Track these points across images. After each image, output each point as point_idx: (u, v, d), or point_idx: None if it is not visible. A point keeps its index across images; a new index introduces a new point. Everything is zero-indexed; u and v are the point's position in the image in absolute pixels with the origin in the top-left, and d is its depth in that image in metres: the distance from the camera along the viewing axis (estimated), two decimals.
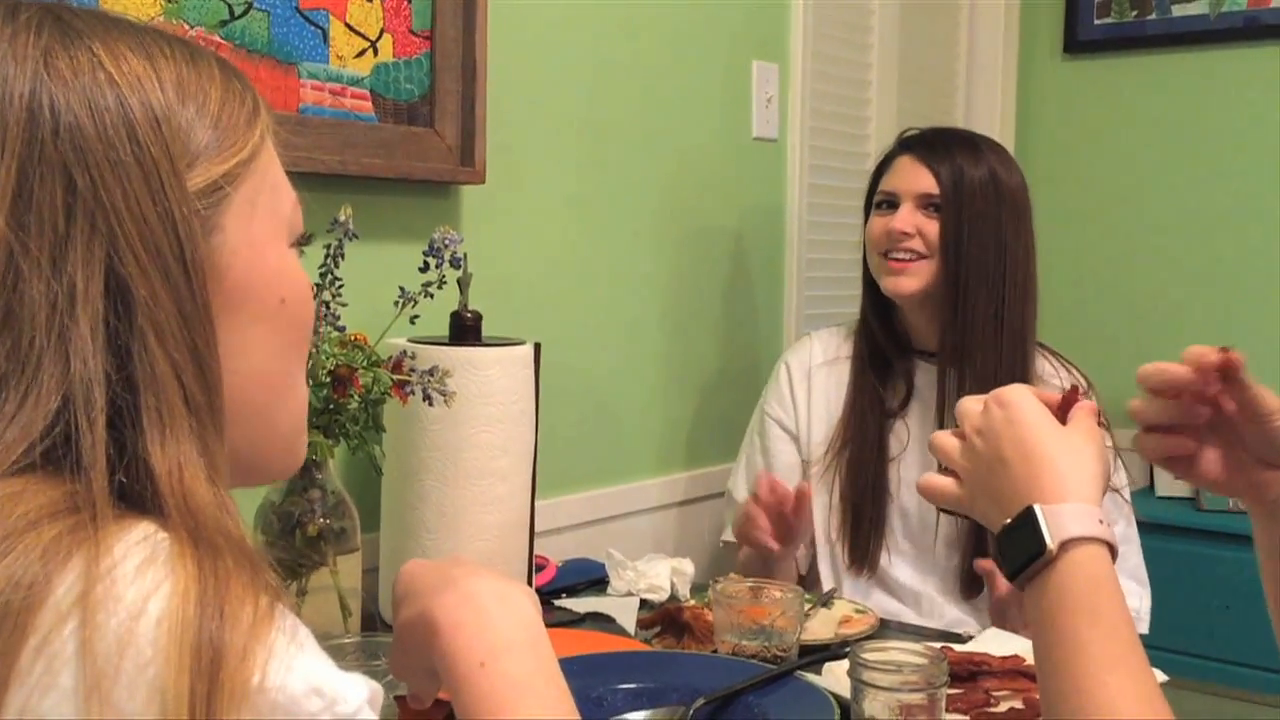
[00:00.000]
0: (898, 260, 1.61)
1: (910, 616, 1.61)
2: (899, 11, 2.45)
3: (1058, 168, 2.77)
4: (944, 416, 1.60)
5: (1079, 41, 2.80)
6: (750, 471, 1.76)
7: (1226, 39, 2.62)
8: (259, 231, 0.66)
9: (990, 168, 1.61)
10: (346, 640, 1.10)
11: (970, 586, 1.61)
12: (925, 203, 1.61)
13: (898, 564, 1.65)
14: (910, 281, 1.61)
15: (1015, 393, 0.88)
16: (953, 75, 2.76)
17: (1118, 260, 2.73)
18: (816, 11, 2.19)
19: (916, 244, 1.61)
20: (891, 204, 1.64)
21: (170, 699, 0.50)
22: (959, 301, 1.59)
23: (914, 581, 1.64)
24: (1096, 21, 2.77)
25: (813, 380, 1.74)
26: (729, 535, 1.73)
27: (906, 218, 1.61)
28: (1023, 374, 1.59)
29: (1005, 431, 0.86)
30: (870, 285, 1.70)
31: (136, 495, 0.57)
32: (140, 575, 0.53)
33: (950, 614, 1.62)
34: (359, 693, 0.56)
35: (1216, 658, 2.19)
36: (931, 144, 1.65)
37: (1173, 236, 2.69)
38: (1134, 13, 2.72)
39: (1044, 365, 1.66)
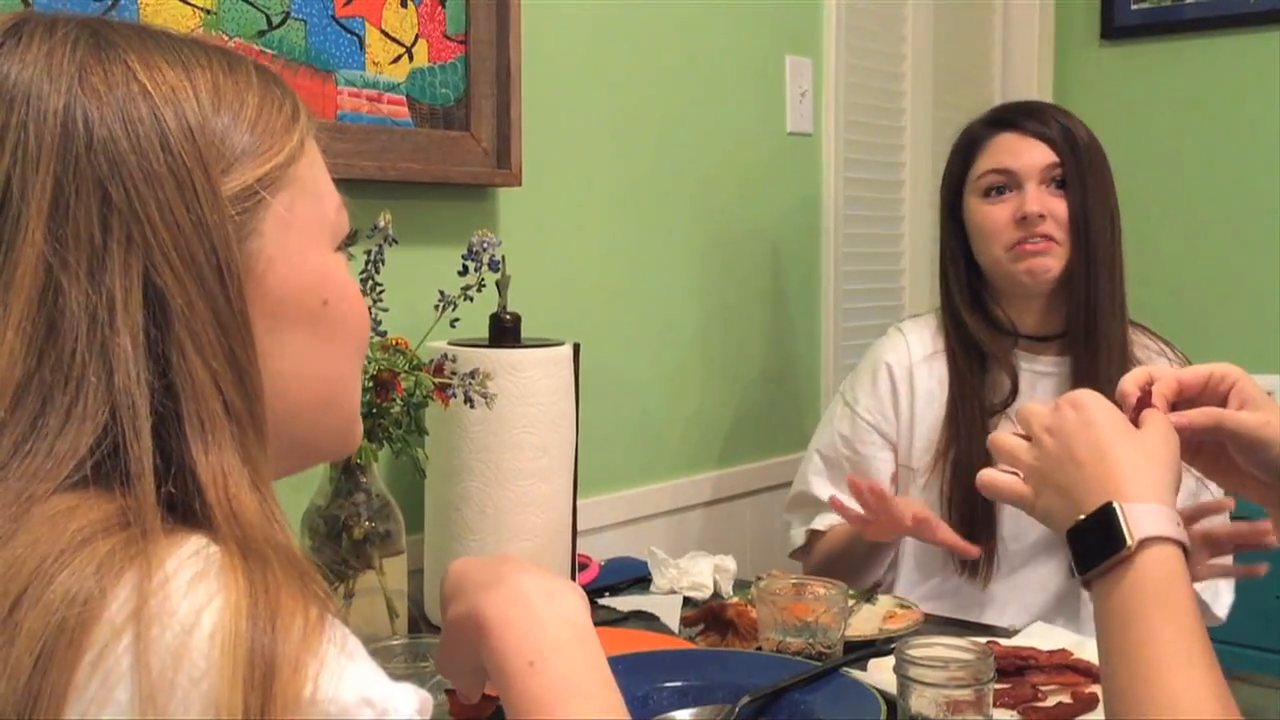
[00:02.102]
0: (1034, 245, 1.52)
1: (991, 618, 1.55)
2: (932, 2, 2.43)
3: None
4: None
5: (1116, 27, 2.77)
6: (834, 471, 1.66)
7: (1266, 21, 2.58)
8: (299, 235, 0.66)
9: (1082, 124, 1.56)
10: (394, 642, 1.11)
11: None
12: (1048, 178, 1.53)
13: (1006, 570, 1.58)
14: (1053, 262, 1.52)
15: (1089, 395, 0.89)
16: (989, 64, 2.74)
17: (1158, 247, 2.69)
18: (849, 4, 2.18)
19: (1049, 227, 1.52)
20: (1006, 187, 1.55)
21: (224, 712, 0.51)
22: (1089, 280, 1.52)
23: (1017, 586, 1.57)
24: (1134, 6, 2.74)
25: (915, 379, 1.64)
26: (819, 524, 1.65)
27: (1038, 197, 1.52)
28: (1127, 348, 1.54)
29: (1080, 432, 0.86)
30: (962, 275, 1.60)
31: (185, 506, 0.58)
32: (193, 589, 0.53)
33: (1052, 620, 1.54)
34: (409, 702, 0.56)
35: (1268, 648, 2.16)
36: (1031, 114, 1.56)
37: (1214, 222, 2.66)
38: None
39: (1145, 341, 1.59)
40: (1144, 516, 0.80)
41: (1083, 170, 1.52)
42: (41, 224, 0.57)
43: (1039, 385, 1.59)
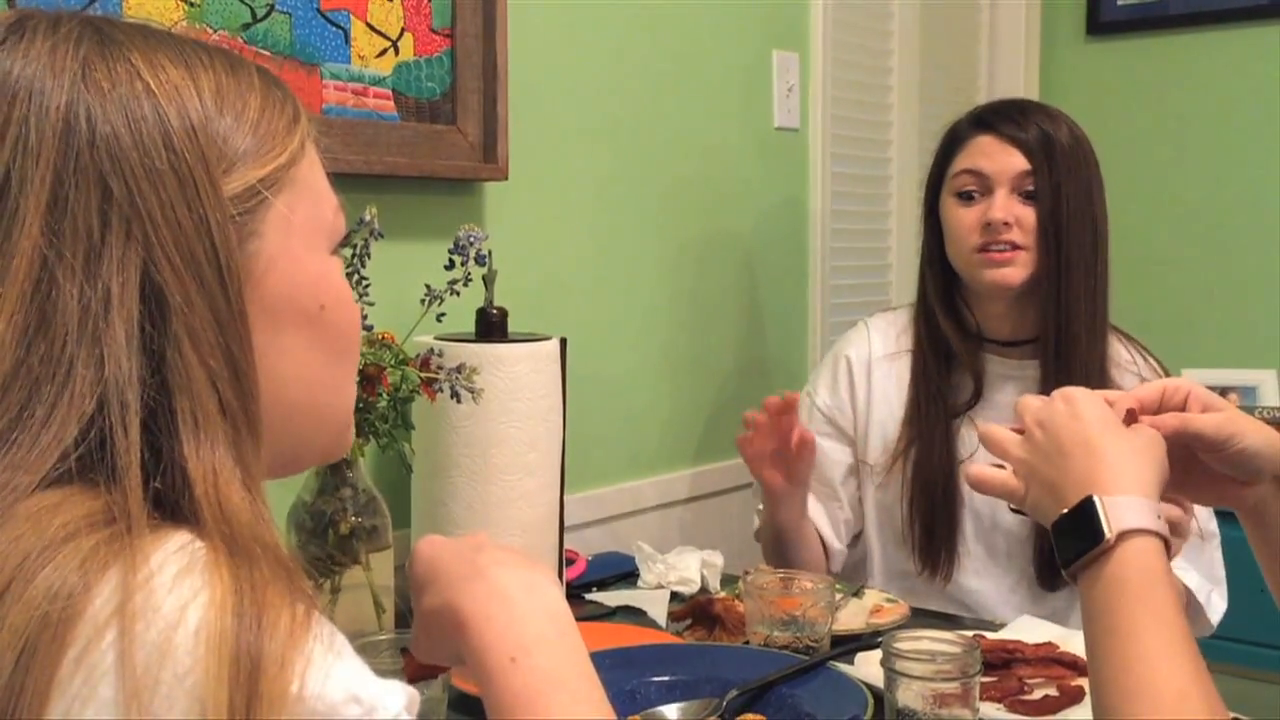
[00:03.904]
0: (999, 251, 1.51)
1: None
2: None
3: None
4: None
5: (1102, 22, 2.78)
6: None
7: (1251, 17, 2.59)
8: (299, 238, 0.66)
9: (1068, 127, 1.54)
10: (381, 637, 1.11)
11: (1048, 579, 1.53)
12: (1020, 185, 1.51)
13: (968, 571, 1.57)
14: (1016, 272, 1.51)
15: (1080, 391, 0.90)
16: (975, 59, 2.74)
17: (1145, 242, 2.70)
18: None
19: (1015, 235, 1.50)
20: (978, 190, 1.53)
21: (209, 709, 0.51)
22: (1060, 288, 1.50)
23: (982, 586, 1.57)
24: (1119, 2, 2.75)
25: (873, 376, 1.64)
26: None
27: (1005, 205, 1.50)
28: (1104, 357, 1.53)
29: (1068, 425, 0.87)
30: (938, 273, 1.60)
31: (173, 503, 0.57)
32: (178, 585, 0.53)
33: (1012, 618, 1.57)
34: (397, 699, 0.56)
35: (1259, 643, 2.16)
36: (1010, 116, 1.54)
37: (1199, 217, 2.67)
38: None
39: (1120, 351, 1.58)
40: (1124, 509, 0.81)
41: (1058, 178, 1.50)
42: (39, 217, 0.57)
43: (1007, 387, 1.58)
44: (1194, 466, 0.93)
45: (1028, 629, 1.29)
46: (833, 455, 1.65)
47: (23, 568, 0.52)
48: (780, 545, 1.60)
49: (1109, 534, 0.80)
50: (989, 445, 0.94)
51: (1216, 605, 1.51)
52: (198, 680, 0.51)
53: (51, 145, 0.57)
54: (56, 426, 0.56)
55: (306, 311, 0.66)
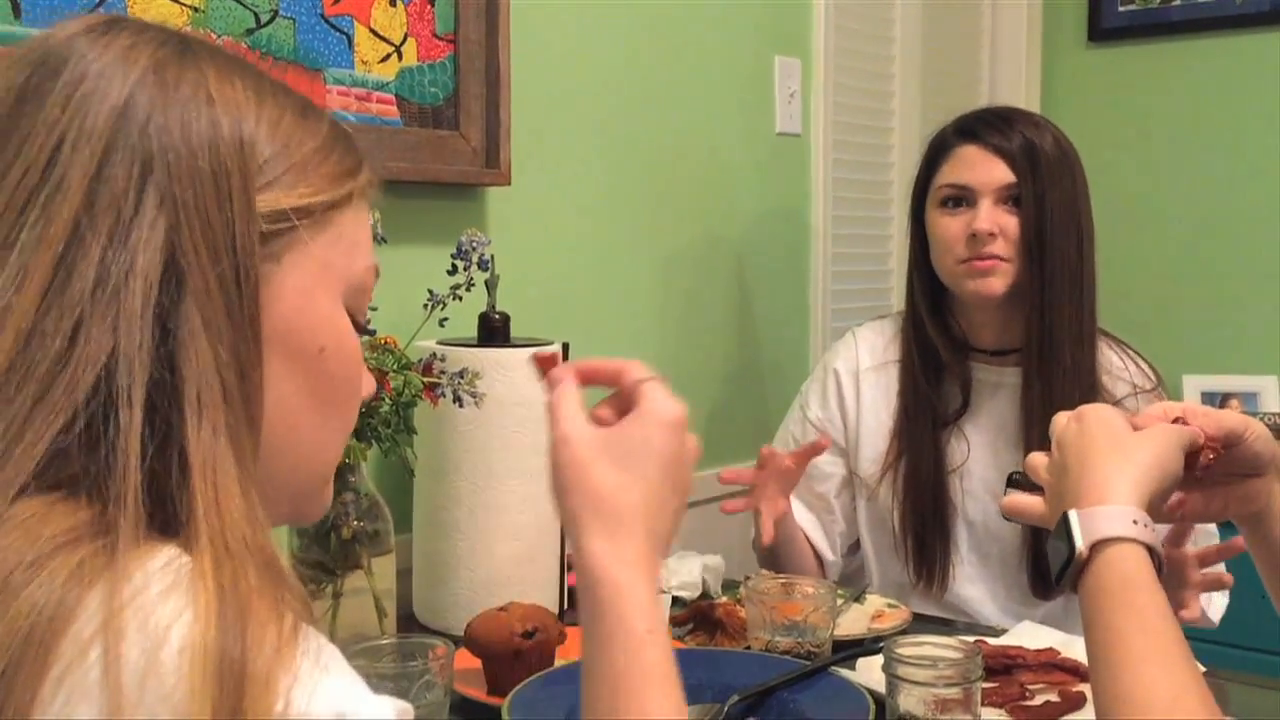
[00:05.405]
0: (982, 264, 1.50)
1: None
2: (921, 3, 2.44)
3: (1084, 156, 2.74)
4: (1030, 419, 1.50)
5: (1103, 29, 2.78)
6: None
7: (1252, 24, 2.59)
8: (319, 278, 0.66)
9: (1053, 135, 1.53)
10: (382, 642, 1.11)
11: (1041, 587, 1.53)
12: (1004, 196, 1.50)
13: (962, 580, 1.57)
14: (998, 282, 1.49)
15: (1094, 408, 0.92)
16: (976, 65, 2.74)
17: (1145, 249, 2.71)
18: (838, 5, 2.19)
19: (999, 245, 1.49)
20: (963, 200, 1.52)
21: None
22: (1045, 298, 1.49)
23: (979, 595, 1.57)
24: (1120, 8, 2.75)
25: (861, 386, 1.63)
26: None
27: (990, 215, 1.49)
28: (1092, 365, 1.52)
29: (1075, 442, 0.89)
30: (924, 282, 1.59)
31: (169, 494, 0.57)
32: (163, 602, 0.52)
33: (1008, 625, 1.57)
34: (386, 715, 0.55)
35: (1252, 647, 2.16)
36: (995, 126, 1.53)
37: (1202, 223, 2.67)
38: None
39: (1111, 359, 1.56)
40: (1100, 519, 0.82)
41: (1042, 188, 1.49)
42: (82, 187, 0.58)
43: (997, 395, 1.57)
44: (1195, 485, 0.94)
45: (1029, 635, 1.29)
46: (825, 468, 1.64)
47: (9, 582, 0.52)
48: (775, 556, 1.60)
49: (1080, 546, 0.81)
50: (1029, 470, 0.96)
51: (1218, 602, 1.51)
52: (181, 699, 0.50)
53: (106, 124, 0.59)
54: (63, 389, 0.56)
55: (305, 349, 0.65)
